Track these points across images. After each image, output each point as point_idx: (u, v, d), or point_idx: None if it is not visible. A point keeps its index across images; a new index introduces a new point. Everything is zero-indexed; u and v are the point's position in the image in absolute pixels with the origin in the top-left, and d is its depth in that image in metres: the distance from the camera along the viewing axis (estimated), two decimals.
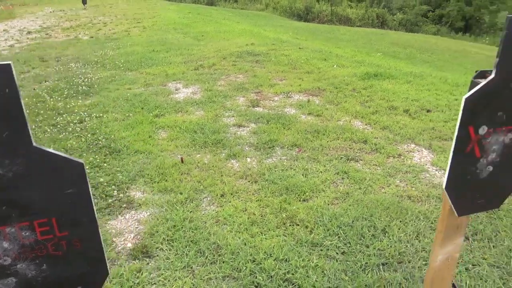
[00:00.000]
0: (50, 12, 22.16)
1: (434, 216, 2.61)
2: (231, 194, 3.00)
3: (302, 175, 3.22)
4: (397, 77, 5.90)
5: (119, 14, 19.06)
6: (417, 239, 2.44)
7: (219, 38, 10.49)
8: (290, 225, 2.59)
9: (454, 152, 1.32)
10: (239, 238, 2.47)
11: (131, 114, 4.75)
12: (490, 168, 1.38)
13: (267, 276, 2.15)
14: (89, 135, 4.14)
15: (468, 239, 2.41)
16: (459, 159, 1.34)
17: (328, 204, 2.80)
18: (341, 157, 3.49)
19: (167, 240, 2.49)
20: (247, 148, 3.80)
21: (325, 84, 5.81)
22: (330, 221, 2.58)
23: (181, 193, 3.03)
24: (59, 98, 5.48)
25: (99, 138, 4.03)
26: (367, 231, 2.50)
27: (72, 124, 4.47)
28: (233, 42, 9.67)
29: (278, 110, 4.79)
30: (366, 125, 4.27)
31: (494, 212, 2.61)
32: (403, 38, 18.35)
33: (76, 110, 4.95)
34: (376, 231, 2.50)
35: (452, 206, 1.41)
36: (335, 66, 6.82)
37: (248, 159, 3.58)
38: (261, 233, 2.53)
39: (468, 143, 1.32)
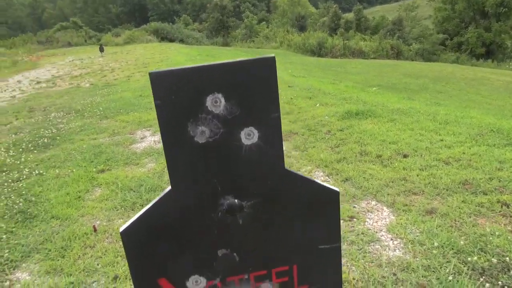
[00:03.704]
0: (69, 61, 23.01)
1: None
2: (126, 276, 2.43)
3: None
4: (381, 115, 5.27)
5: (131, 59, 19.44)
6: None
7: None
8: None
9: None
10: None
11: (74, 170, 4.34)
12: None
13: None
14: (13, 196, 3.72)
15: None
16: None
17: None
18: None
19: None
20: None
21: (299, 126, 5.25)
22: None
23: (70, 275, 2.49)
24: (14, 153, 5.17)
25: (20, 201, 3.60)
26: None
27: (6, 184, 4.09)
28: None
29: None
30: (327, 175, 3.65)
31: None
32: (417, 68, 17.67)
33: (22, 167, 4.59)
34: None
35: None
36: (317, 105, 6.27)
37: None
38: None
39: None
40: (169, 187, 0.73)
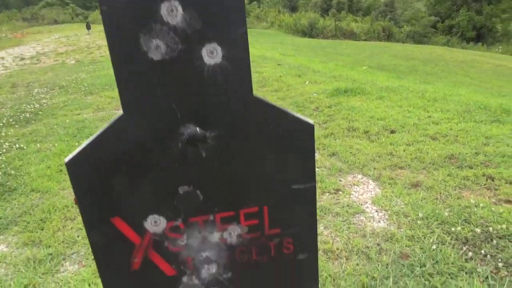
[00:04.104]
0: (55, 38, 22.42)
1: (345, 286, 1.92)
2: None
3: None
4: (370, 92, 5.23)
5: None
6: None
7: None
8: None
9: (102, 269, 0.70)
10: None
11: (56, 144, 4.23)
12: None
13: None
14: None
15: None
16: (124, 286, 0.71)
17: None
18: None
19: None
20: None
21: (288, 103, 5.19)
22: None
23: (49, 247, 2.43)
24: None
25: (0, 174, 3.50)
26: None
27: None
28: None
29: None
30: None
31: None
32: (408, 50, 17.62)
33: (2, 141, 4.46)
34: None
35: None
36: (306, 82, 6.20)
37: None
38: None
39: (128, 251, 0.69)
40: (122, 112, 0.66)
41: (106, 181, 0.66)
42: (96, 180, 0.66)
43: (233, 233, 0.72)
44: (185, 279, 0.73)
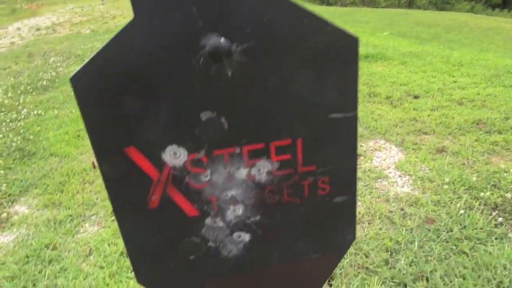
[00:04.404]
0: (70, 9, 22.31)
1: (369, 248, 1.87)
2: None
3: None
4: (392, 57, 5.03)
5: None
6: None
7: None
8: None
9: (116, 208, 0.64)
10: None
11: (73, 110, 4.22)
12: (245, 236, 0.67)
13: None
14: (11, 135, 3.64)
15: None
16: (141, 227, 0.65)
17: None
18: None
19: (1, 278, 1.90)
20: None
21: None
22: None
23: (68, 208, 2.44)
24: (12, 95, 5.05)
25: (18, 139, 3.51)
26: None
27: (4, 123, 4.00)
28: None
29: None
30: None
31: None
32: (430, 17, 16.95)
33: (20, 108, 4.48)
34: None
35: None
36: None
37: None
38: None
39: (145, 187, 0.62)
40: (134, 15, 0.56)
41: (117, 102, 0.58)
42: (106, 101, 0.58)
43: (262, 169, 0.64)
44: (208, 220, 0.66)
